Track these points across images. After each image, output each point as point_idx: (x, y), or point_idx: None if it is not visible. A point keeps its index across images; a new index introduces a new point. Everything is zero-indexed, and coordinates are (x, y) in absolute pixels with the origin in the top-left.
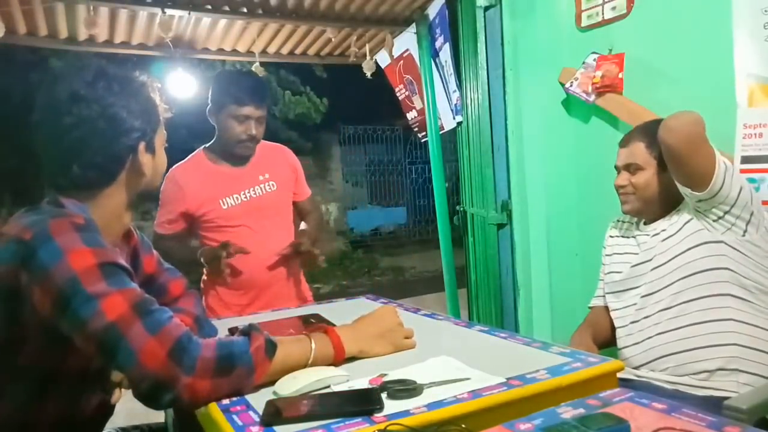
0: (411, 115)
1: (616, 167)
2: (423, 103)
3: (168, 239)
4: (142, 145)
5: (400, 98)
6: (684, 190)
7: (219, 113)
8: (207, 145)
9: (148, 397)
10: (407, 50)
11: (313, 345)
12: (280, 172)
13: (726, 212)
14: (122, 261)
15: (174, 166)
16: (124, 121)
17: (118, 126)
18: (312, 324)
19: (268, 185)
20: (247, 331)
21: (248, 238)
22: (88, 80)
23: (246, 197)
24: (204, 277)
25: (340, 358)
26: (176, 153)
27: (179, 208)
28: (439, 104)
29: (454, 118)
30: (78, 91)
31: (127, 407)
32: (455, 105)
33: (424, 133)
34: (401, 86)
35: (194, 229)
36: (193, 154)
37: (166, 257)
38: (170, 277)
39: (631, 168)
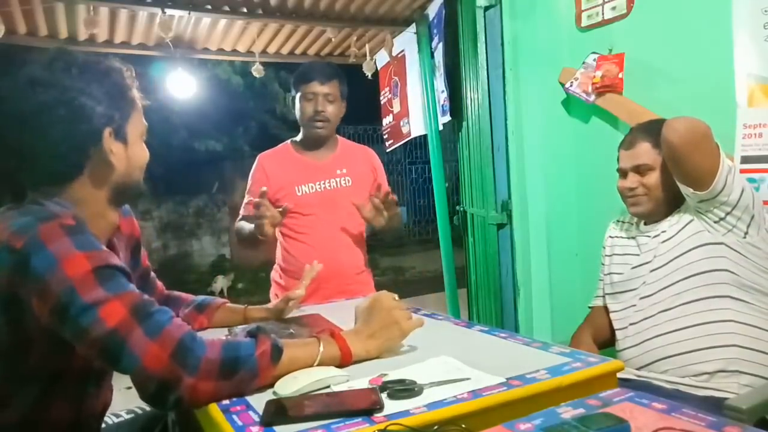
0: (386, 121)
1: (619, 170)
2: (400, 107)
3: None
4: (107, 132)
5: (382, 102)
6: (686, 190)
7: (294, 98)
8: (294, 138)
9: (155, 399)
10: (402, 51)
11: (321, 349)
12: (359, 170)
13: (727, 213)
14: (117, 261)
15: (263, 152)
16: (84, 106)
17: (78, 111)
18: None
19: (344, 180)
20: (254, 333)
21: (317, 227)
22: (45, 63)
23: (320, 188)
24: (275, 265)
25: (346, 362)
26: (177, 152)
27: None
28: (420, 107)
29: (439, 119)
30: (34, 75)
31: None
32: (442, 105)
33: (391, 141)
34: (386, 89)
35: None
36: (281, 144)
37: (239, 234)
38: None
39: (641, 169)
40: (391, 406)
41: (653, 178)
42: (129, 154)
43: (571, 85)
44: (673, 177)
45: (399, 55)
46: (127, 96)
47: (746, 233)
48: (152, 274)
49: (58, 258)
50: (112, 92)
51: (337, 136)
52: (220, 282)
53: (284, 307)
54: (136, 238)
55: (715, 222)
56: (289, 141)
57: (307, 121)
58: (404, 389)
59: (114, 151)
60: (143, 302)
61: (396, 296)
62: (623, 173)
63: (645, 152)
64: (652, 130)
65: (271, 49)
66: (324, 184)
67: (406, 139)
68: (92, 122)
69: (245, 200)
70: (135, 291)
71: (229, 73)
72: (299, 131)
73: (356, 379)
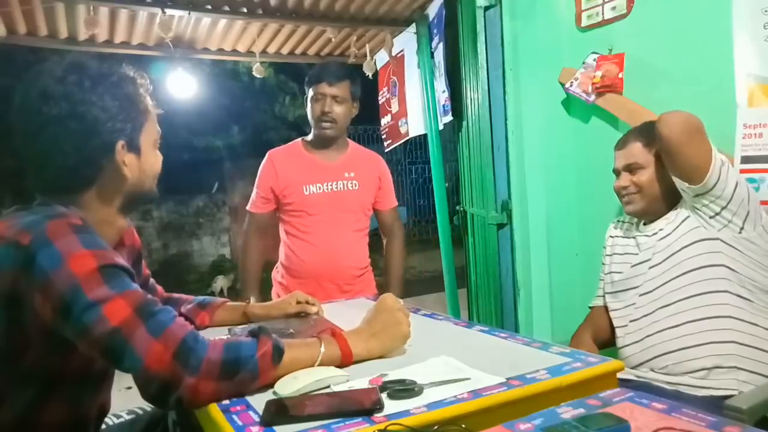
0: (385, 121)
1: (614, 171)
2: (399, 107)
3: (262, 219)
4: (120, 145)
5: (380, 102)
6: (681, 184)
7: (306, 100)
8: (306, 137)
9: (157, 398)
10: (401, 51)
11: (323, 349)
12: (366, 175)
13: (722, 208)
14: (122, 261)
15: (273, 149)
16: (97, 119)
17: (90, 125)
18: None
19: (351, 183)
20: (256, 333)
21: (322, 227)
22: (58, 76)
23: (328, 189)
24: (277, 265)
25: (347, 363)
26: (177, 153)
27: (270, 187)
28: (418, 107)
29: (441, 119)
30: (47, 88)
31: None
32: (443, 105)
33: (390, 141)
34: (385, 89)
35: (277, 212)
36: (292, 141)
37: (263, 233)
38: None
39: (632, 167)
40: (391, 406)
41: (644, 176)
42: (142, 163)
43: (571, 85)
44: (669, 171)
45: (398, 55)
46: (141, 106)
47: (742, 228)
48: (151, 280)
49: (64, 255)
50: (125, 104)
51: (348, 139)
52: (220, 282)
53: (285, 305)
54: (137, 249)
55: (710, 217)
56: (300, 139)
57: (315, 121)
58: (404, 389)
59: (127, 163)
60: (147, 301)
61: (401, 301)
62: (617, 173)
63: (636, 152)
64: (645, 130)
65: (271, 49)
66: (331, 185)
67: (404, 139)
68: (104, 135)
69: (255, 196)
70: (139, 290)
71: (230, 73)
72: (299, 131)
73: (356, 379)
